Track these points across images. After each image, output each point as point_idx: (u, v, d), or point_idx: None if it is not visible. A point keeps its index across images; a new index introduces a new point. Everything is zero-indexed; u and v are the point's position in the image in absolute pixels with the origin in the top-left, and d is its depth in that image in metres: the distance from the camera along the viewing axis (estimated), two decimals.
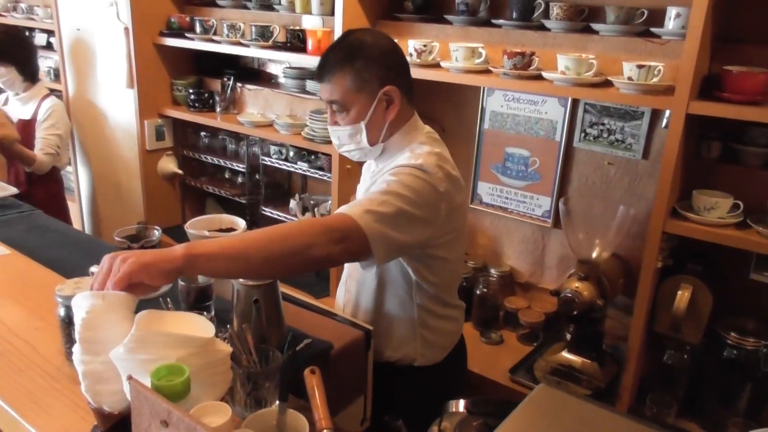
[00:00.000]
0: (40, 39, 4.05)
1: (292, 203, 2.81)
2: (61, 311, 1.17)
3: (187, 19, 2.96)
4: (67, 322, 1.16)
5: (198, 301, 1.33)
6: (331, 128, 1.50)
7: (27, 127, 3.01)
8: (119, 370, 0.92)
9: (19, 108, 3.07)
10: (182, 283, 1.31)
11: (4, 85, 3.02)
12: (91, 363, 0.96)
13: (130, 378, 0.81)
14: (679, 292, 1.72)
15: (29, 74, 3.03)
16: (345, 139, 1.47)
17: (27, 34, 3.17)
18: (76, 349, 0.97)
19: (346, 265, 1.66)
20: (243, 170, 2.98)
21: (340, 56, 1.40)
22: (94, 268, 1.29)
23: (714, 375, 1.78)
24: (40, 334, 1.30)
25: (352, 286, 1.62)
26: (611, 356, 2.00)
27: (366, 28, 1.44)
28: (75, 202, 3.73)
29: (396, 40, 2.20)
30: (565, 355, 1.96)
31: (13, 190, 2.26)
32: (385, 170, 1.44)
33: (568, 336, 2.00)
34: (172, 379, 0.88)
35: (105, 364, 0.94)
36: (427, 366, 1.59)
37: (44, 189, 3.05)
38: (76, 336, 0.98)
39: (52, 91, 3.28)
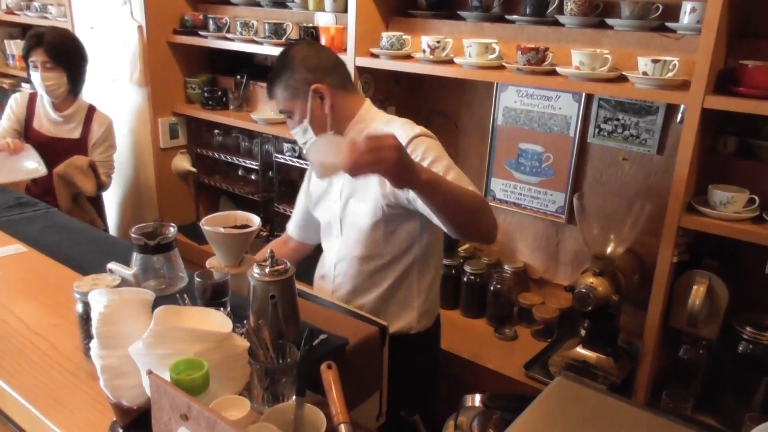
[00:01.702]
0: None
1: None
2: (79, 307, 1.18)
3: (201, 16, 2.97)
4: (85, 318, 1.17)
5: (214, 297, 1.33)
6: (292, 132, 1.72)
7: (77, 147, 2.74)
8: (138, 365, 0.94)
9: (59, 126, 2.75)
10: (198, 279, 1.32)
11: (46, 90, 2.65)
12: (109, 357, 0.97)
13: (149, 372, 0.82)
14: (695, 287, 1.71)
15: (75, 86, 2.75)
16: (300, 137, 1.71)
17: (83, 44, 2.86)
18: (94, 343, 0.99)
19: (335, 250, 1.79)
20: (256, 168, 2.99)
21: (273, 74, 1.67)
22: (111, 265, 1.30)
23: (730, 370, 1.76)
24: (58, 330, 1.31)
25: (344, 267, 1.76)
26: (626, 352, 1.99)
27: (300, 41, 1.66)
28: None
29: (409, 37, 2.24)
30: (580, 350, 1.96)
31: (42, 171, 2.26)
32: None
33: (583, 332, 1.99)
34: (191, 374, 0.89)
35: (123, 359, 0.96)
36: (420, 332, 1.78)
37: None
38: (94, 331, 0.99)
39: None
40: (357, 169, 1.21)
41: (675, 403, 1.77)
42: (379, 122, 1.68)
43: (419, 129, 1.61)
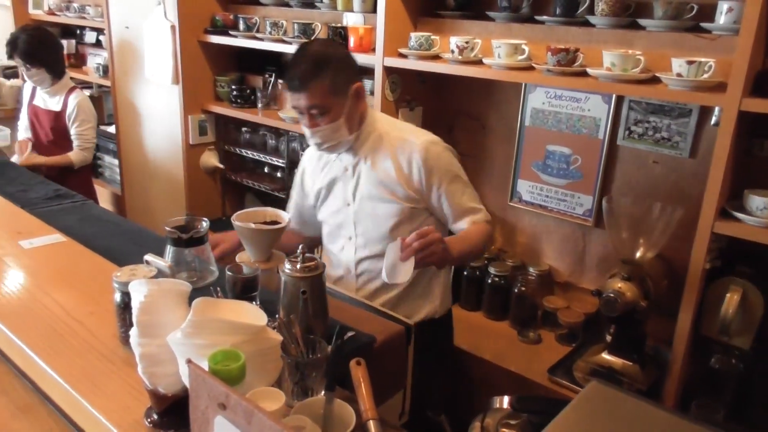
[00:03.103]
0: (90, 37, 4.20)
1: None
2: (117, 296, 1.21)
3: (231, 16, 3.01)
4: (123, 307, 1.20)
5: (244, 291, 1.35)
6: (312, 130, 1.67)
7: (58, 118, 3.20)
8: (176, 354, 0.95)
9: (47, 100, 3.23)
10: (229, 273, 1.33)
11: (34, 83, 3.20)
12: (148, 345, 0.99)
13: (189, 362, 0.83)
14: (728, 295, 1.68)
15: (57, 72, 3.19)
16: (327, 136, 1.68)
17: (51, 32, 3.34)
18: (134, 332, 1.01)
19: (351, 250, 1.82)
20: (282, 165, 3.02)
21: (312, 67, 1.61)
22: (148, 257, 1.32)
23: (764, 382, 1.73)
24: (95, 318, 1.34)
25: (368, 265, 1.80)
26: (653, 359, 1.97)
27: (315, 39, 1.72)
28: (120, 194, 3.84)
29: (437, 37, 2.24)
30: (606, 356, 1.94)
31: None
32: (382, 157, 1.72)
33: (609, 337, 1.97)
34: (228, 364, 0.90)
35: (161, 347, 0.97)
36: (443, 316, 1.89)
37: (75, 175, 3.18)
38: (134, 319, 1.01)
39: (81, 83, 3.50)
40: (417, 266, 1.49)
41: (705, 413, 1.74)
42: (392, 128, 1.77)
43: (432, 135, 1.74)
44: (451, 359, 2.04)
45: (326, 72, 1.61)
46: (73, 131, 3.17)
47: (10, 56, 3.15)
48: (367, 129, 1.75)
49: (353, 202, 1.78)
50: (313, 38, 1.80)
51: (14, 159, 3.13)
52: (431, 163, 1.69)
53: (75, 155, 3.17)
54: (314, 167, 1.88)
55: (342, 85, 1.64)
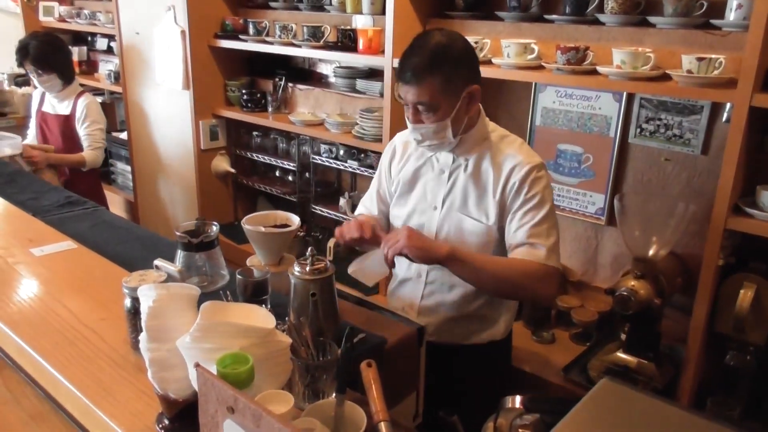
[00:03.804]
0: (101, 43, 4.23)
1: (342, 201, 2.84)
2: (128, 302, 1.22)
3: (241, 21, 3.03)
4: (133, 313, 1.21)
5: (255, 294, 1.35)
6: (414, 126, 1.57)
7: (67, 122, 3.21)
8: (185, 359, 0.96)
9: (56, 105, 3.24)
10: (240, 276, 1.34)
11: (45, 89, 3.21)
12: (157, 350, 0.99)
13: (197, 365, 0.84)
14: (742, 291, 1.67)
15: (68, 77, 3.20)
16: (429, 135, 1.57)
17: (60, 37, 3.35)
18: (143, 337, 1.01)
19: (423, 267, 1.69)
20: (294, 169, 3.03)
21: (428, 62, 1.48)
22: (158, 262, 1.33)
23: None
24: (106, 324, 1.35)
25: (441, 275, 1.67)
26: (668, 357, 1.95)
27: (438, 28, 1.56)
28: (133, 200, 3.87)
29: None
30: (621, 355, 1.92)
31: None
32: (487, 168, 1.61)
33: (623, 336, 1.96)
34: (236, 368, 0.90)
35: (171, 352, 0.98)
36: (504, 338, 1.79)
37: (84, 179, 3.21)
38: (143, 324, 1.02)
39: (92, 90, 3.51)
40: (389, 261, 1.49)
41: (721, 410, 1.73)
42: (501, 140, 1.63)
43: (536, 158, 1.59)
44: (507, 378, 1.94)
45: (443, 69, 1.48)
46: (82, 132, 3.18)
47: (21, 64, 3.16)
48: (476, 135, 1.62)
49: (440, 207, 1.66)
50: (432, 30, 1.61)
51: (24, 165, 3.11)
52: (528, 183, 1.55)
53: (87, 154, 3.16)
54: (406, 152, 1.76)
55: (457, 85, 1.51)
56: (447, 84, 1.49)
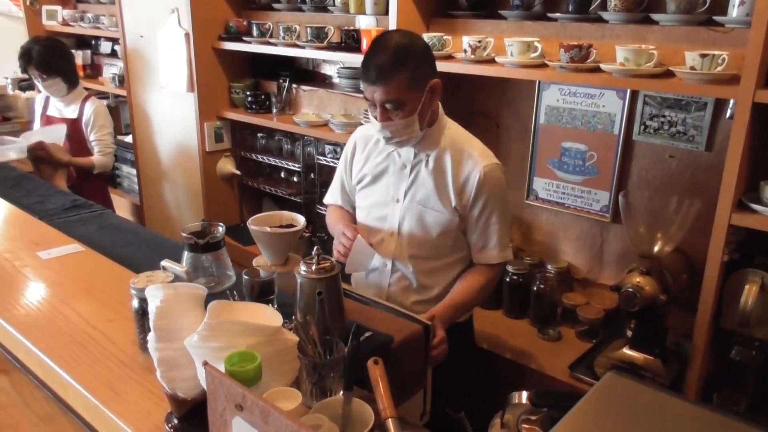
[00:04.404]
0: (105, 47, 4.24)
1: None
2: (135, 303, 1.23)
3: (245, 22, 3.04)
4: (141, 313, 1.21)
5: (261, 294, 1.36)
6: (383, 124, 1.63)
7: (74, 126, 3.22)
8: (193, 358, 0.97)
9: (63, 109, 3.26)
10: (246, 277, 1.35)
11: (50, 93, 3.22)
12: (165, 350, 1.00)
13: (205, 363, 0.85)
14: (747, 287, 1.67)
15: (72, 81, 3.21)
16: (398, 131, 1.64)
17: (62, 41, 3.37)
18: (151, 336, 1.02)
19: (390, 247, 1.79)
20: (299, 170, 3.04)
21: (392, 61, 1.55)
22: (165, 263, 1.34)
23: None
24: (114, 325, 1.36)
25: (404, 265, 1.78)
26: (675, 353, 1.95)
27: (396, 30, 1.67)
28: (139, 204, 3.89)
29: (450, 37, 2.24)
30: (627, 351, 1.93)
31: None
32: (446, 162, 1.70)
33: (629, 332, 1.96)
34: (244, 366, 0.91)
35: (179, 351, 0.99)
36: (464, 321, 1.87)
37: (92, 183, 3.23)
38: (151, 324, 1.02)
39: (97, 94, 3.53)
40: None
41: (727, 406, 1.73)
42: (460, 138, 1.74)
43: (495, 158, 1.72)
44: (472, 361, 2.02)
45: (407, 66, 1.55)
46: (92, 138, 3.20)
47: (24, 69, 3.16)
48: (436, 131, 1.72)
49: (402, 200, 1.75)
50: (389, 31, 1.73)
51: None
52: (487, 188, 1.68)
53: (97, 159, 3.18)
54: (366, 148, 1.84)
55: (420, 80, 1.59)
56: (412, 80, 1.57)
